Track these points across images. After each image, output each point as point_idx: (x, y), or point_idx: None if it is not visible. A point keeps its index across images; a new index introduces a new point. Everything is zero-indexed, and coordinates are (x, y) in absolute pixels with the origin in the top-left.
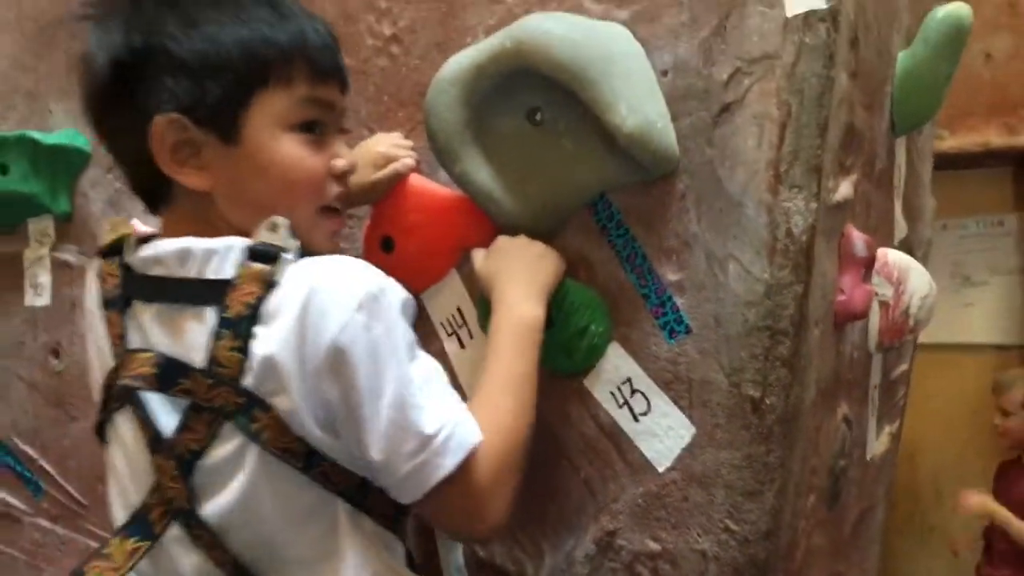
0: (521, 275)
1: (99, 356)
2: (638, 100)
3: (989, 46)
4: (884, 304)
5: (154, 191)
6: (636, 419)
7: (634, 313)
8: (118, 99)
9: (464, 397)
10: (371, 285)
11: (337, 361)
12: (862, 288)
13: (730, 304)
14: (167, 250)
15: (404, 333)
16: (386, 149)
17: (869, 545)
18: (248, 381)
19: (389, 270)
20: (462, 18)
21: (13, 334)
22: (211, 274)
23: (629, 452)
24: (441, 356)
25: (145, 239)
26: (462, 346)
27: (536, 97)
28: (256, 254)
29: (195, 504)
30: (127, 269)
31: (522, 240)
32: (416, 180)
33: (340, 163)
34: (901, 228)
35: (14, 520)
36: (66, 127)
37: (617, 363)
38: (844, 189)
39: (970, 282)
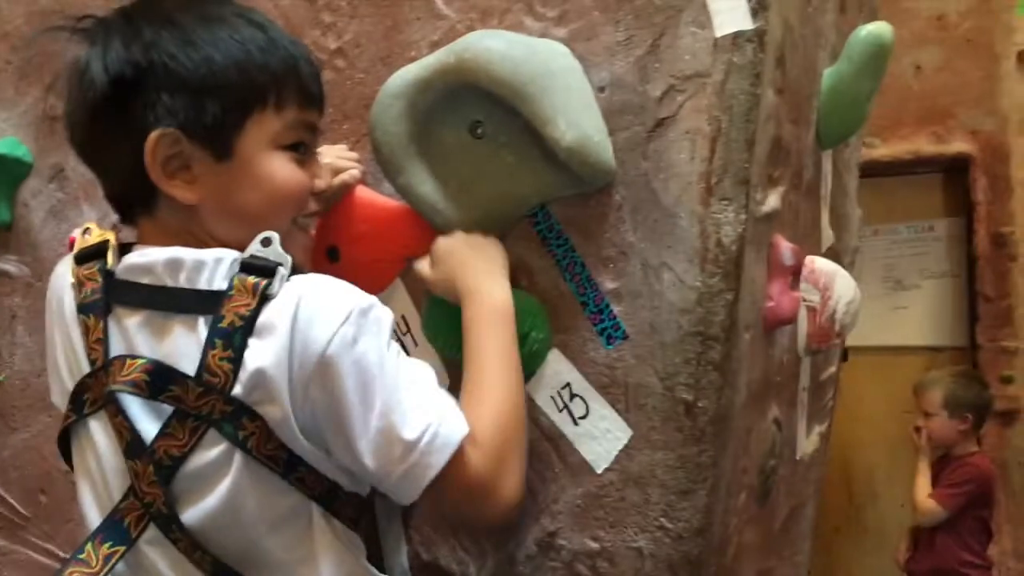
0: (481, 265)
1: (69, 361)
2: (576, 115)
3: (918, 58)
4: (811, 309)
5: (134, 201)
6: (575, 422)
7: (573, 320)
8: (115, 112)
9: None
10: (360, 300)
11: (325, 373)
12: (790, 295)
13: (665, 311)
14: (156, 258)
15: (390, 344)
16: (332, 160)
17: (800, 541)
18: (238, 390)
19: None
20: (406, 33)
21: None
22: (203, 284)
23: (569, 454)
24: None
25: (124, 246)
26: (407, 353)
27: (478, 111)
28: (249, 267)
29: (174, 509)
30: (109, 275)
31: (462, 236)
32: (362, 191)
33: (320, 182)
34: (828, 237)
35: None
36: (6, 136)
37: (557, 368)
38: (772, 200)
39: (902, 286)
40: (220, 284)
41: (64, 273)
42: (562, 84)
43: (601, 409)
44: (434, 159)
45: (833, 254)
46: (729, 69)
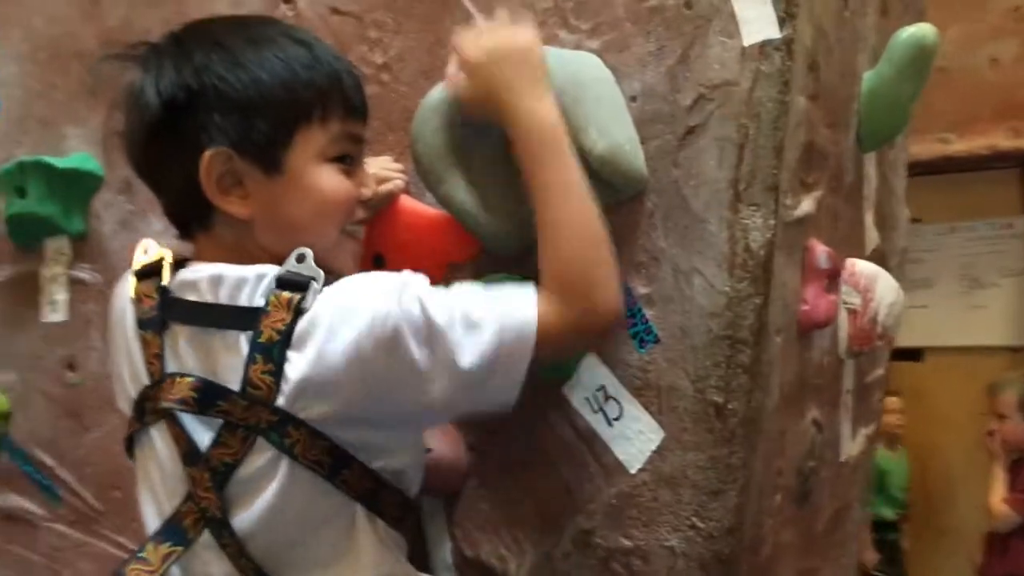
0: (517, 77)
1: (131, 371)
2: (607, 124)
3: (995, 51)
4: (852, 312)
5: (190, 217)
6: (610, 424)
7: None
8: (169, 134)
9: None
10: (390, 281)
11: (384, 346)
12: (825, 298)
13: (695, 315)
14: (202, 275)
15: (428, 296)
16: (378, 171)
17: (846, 543)
18: (281, 401)
19: None
20: (448, 48)
21: (31, 349)
22: (243, 301)
23: (604, 455)
24: None
25: (180, 262)
26: None
27: None
28: (285, 283)
29: (227, 513)
30: (164, 291)
31: (494, 38)
32: (405, 200)
33: (367, 191)
34: (873, 238)
35: (33, 525)
36: (80, 151)
37: (592, 371)
38: (806, 205)
39: (979, 284)
40: (259, 301)
41: (125, 288)
42: (593, 95)
43: (634, 411)
44: (472, 170)
45: (879, 255)
46: (757, 77)
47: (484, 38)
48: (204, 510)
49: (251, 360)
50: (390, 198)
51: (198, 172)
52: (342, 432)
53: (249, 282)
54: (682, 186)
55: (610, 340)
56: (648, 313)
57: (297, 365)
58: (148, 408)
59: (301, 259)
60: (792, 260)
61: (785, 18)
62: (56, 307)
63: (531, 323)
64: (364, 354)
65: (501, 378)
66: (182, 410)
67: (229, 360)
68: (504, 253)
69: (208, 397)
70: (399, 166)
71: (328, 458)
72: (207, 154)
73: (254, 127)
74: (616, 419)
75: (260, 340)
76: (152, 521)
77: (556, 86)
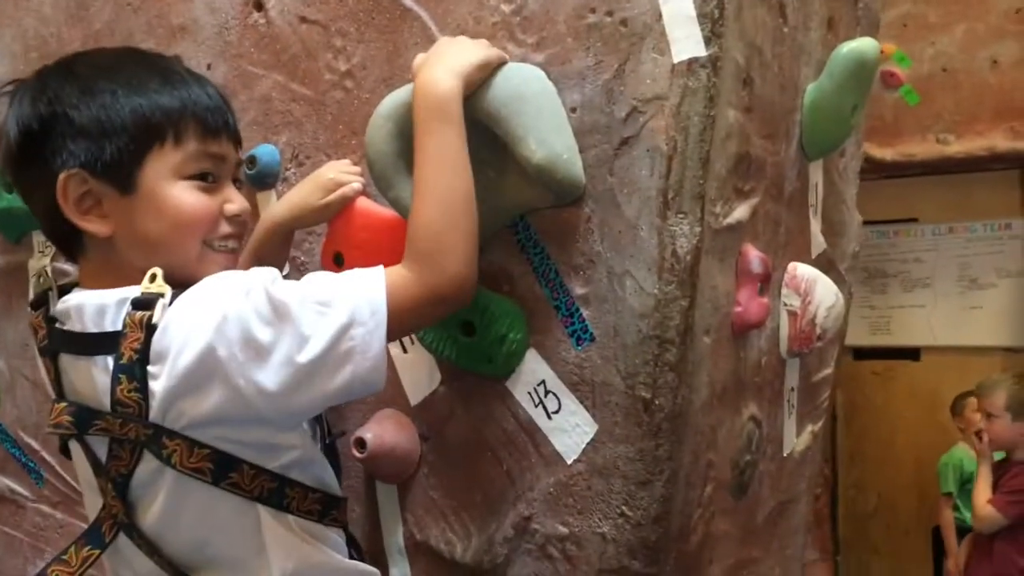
0: (436, 60)
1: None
2: (546, 134)
3: (995, 52)
4: (792, 313)
5: (68, 242)
6: (549, 417)
7: (547, 322)
8: (29, 161)
9: (408, 403)
10: (237, 280)
11: (241, 338)
12: (757, 300)
13: (627, 316)
14: (69, 305)
15: (281, 280)
16: (335, 175)
17: (791, 535)
18: (153, 415)
19: None
20: (405, 57)
21: (19, 336)
22: (107, 326)
23: (543, 446)
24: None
25: (67, 287)
26: (404, 350)
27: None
28: (138, 303)
29: (133, 517)
30: (51, 321)
31: (456, 38)
32: (363, 202)
33: (232, 206)
34: (819, 244)
35: (19, 506)
36: None
37: (533, 366)
38: (739, 212)
39: (977, 285)
40: (119, 324)
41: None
42: (534, 106)
43: (571, 405)
44: None
45: (826, 260)
46: (684, 92)
47: (443, 39)
48: (115, 515)
49: (116, 381)
50: (346, 200)
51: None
52: (221, 436)
53: (110, 308)
54: (617, 194)
55: (549, 337)
56: (584, 313)
57: (159, 379)
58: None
59: (152, 278)
60: (724, 264)
61: (712, 37)
62: None
63: (380, 295)
64: (218, 354)
65: (360, 355)
66: (63, 434)
67: (103, 382)
68: None
69: (84, 420)
70: (357, 169)
71: (210, 464)
72: (62, 176)
73: (104, 149)
74: (555, 412)
75: (122, 361)
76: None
77: (500, 98)
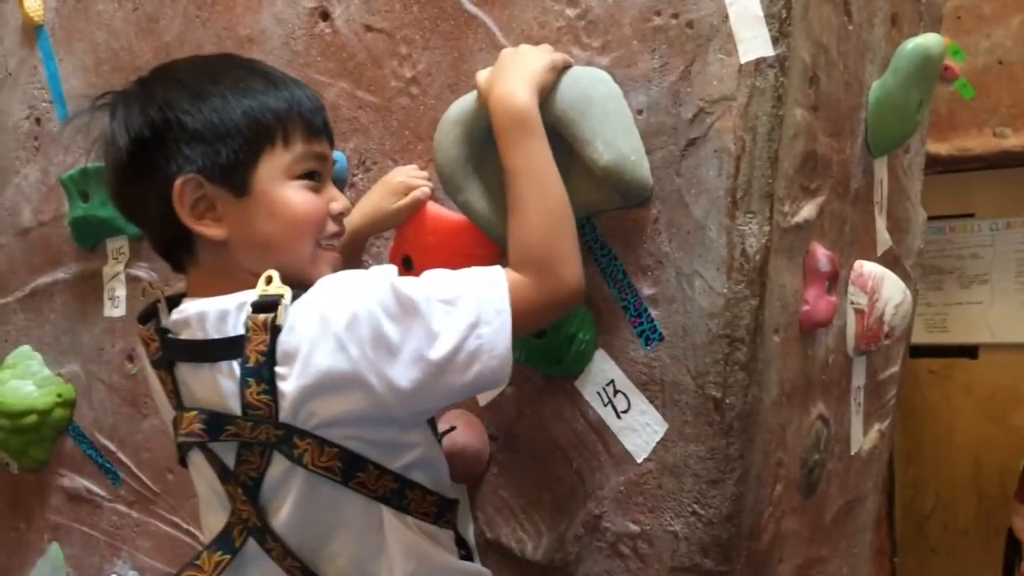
0: (506, 72)
1: (160, 401)
2: (614, 137)
3: None
4: (859, 312)
5: (178, 250)
6: (619, 416)
7: (615, 323)
8: (142, 169)
9: (477, 403)
10: (361, 279)
11: (372, 336)
12: (825, 299)
13: (696, 315)
14: (189, 314)
15: (402, 277)
16: (405, 179)
17: (859, 534)
18: (284, 416)
19: None
20: (470, 63)
21: (94, 341)
22: (230, 331)
23: (613, 445)
24: None
25: (176, 299)
26: None
27: None
28: (259, 306)
29: (265, 520)
30: (163, 332)
31: (519, 48)
32: (432, 206)
33: (336, 205)
34: (884, 241)
35: (96, 505)
36: None
37: (602, 366)
38: (807, 211)
39: None
40: (241, 329)
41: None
42: (600, 109)
43: (641, 404)
44: (490, 178)
45: (891, 258)
46: (752, 93)
47: (506, 50)
48: (246, 520)
49: (244, 385)
50: (416, 204)
51: (172, 201)
52: (351, 435)
53: (231, 313)
54: (684, 194)
55: (617, 337)
56: (653, 313)
57: (288, 380)
58: (177, 439)
59: (269, 281)
60: (792, 263)
61: (779, 37)
62: (116, 303)
63: (504, 294)
64: (350, 353)
65: (487, 353)
66: (196, 442)
67: (230, 387)
68: None
69: (215, 426)
70: (424, 174)
71: (339, 463)
72: (178, 181)
73: (219, 152)
74: (624, 412)
75: (249, 365)
76: (209, 532)
77: (567, 101)
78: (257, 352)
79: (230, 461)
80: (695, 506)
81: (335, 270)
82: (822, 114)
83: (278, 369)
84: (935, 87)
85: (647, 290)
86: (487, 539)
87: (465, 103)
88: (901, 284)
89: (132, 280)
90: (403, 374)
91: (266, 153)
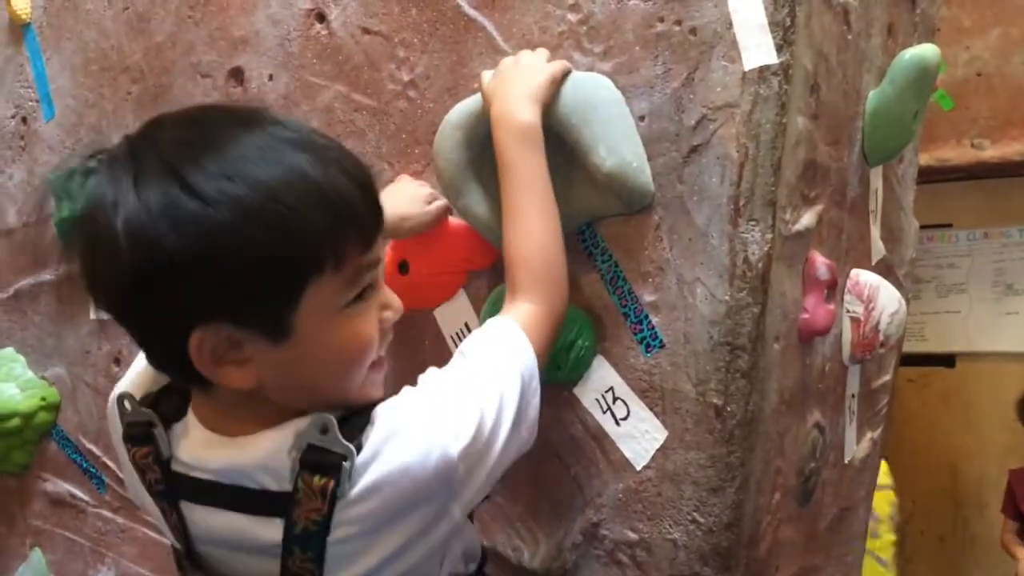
0: (516, 87)
1: (152, 513)
2: (616, 143)
3: None
4: (855, 320)
5: (183, 379)
6: (618, 423)
7: (616, 329)
8: (148, 295)
9: None
10: (434, 468)
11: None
12: (824, 307)
13: (697, 322)
14: (212, 467)
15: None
16: (429, 191)
17: (851, 542)
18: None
19: (406, 290)
20: (470, 67)
21: (80, 344)
22: (270, 484)
23: (612, 452)
24: None
25: (166, 402)
26: None
27: None
28: (314, 466)
29: None
30: (164, 464)
31: (518, 57)
32: None
33: (389, 315)
34: (879, 250)
35: (80, 511)
36: None
37: (601, 373)
38: (807, 219)
39: (1013, 290)
40: (285, 485)
41: (116, 422)
42: (603, 115)
43: (641, 411)
44: (490, 183)
45: (884, 267)
46: (756, 100)
47: (506, 60)
48: None
49: (288, 552)
50: (443, 215)
51: (187, 344)
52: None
53: (268, 466)
54: (686, 201)
55: (617, 344)
56: (654, 320)
57: (341, 552)
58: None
59: (324, 431)
60: (792, 271)
61: (783, 45)
62: None
63: (531, 358)
64: (414, 528)
65: (528, 428)
66: None
67: (264, 535)
68: None
69: None
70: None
71: None
72: (197, 335)
73: (254, 294)
74: (623, 419)
75: (295, 532)
76: None
77: (569, 106)
78: (308, 520)
79: None
80: (695, 514)
81: (383, 382)
82: (822, 122)
83: (330, 539)
84: (930, 97)
85: (648, 297)
86: (483, 547)
87: (466, 107)
88: (896, 293)
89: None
90: (472, 500)
91: (312, 286)
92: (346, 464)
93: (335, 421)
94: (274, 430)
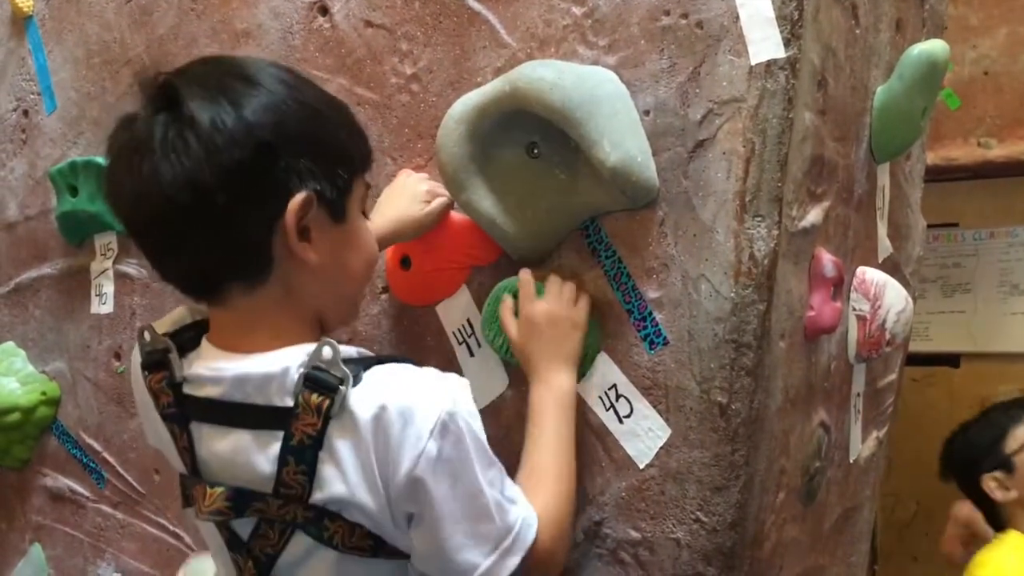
0: (553, 350)
1: (166, 449)
2: (621, 137)
3: None
4: (862, 318)
5: (220, 284)
6: (621, 421)
7: (619, 326)
8: (259, 176)
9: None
10: (439, 410)
11: (415, 489)
12: (830, 305)
13: (702, 320)
14: (224, 375)
15: (476, 448)
16: (428, 186)
17: (856, 542)
18: (317, 498)
19: (407, 285)
20: (473, 60)
21: (81, 338)
22: (273, 399)
23: (614, 450)
24: (453, 361)
25: (181, 336)
26: (471, 354)
27: (533, 133)
28: (312, 381)
29: None
30: (177, 387)
31: (546, 308)
32: None
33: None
34: (885, 248)
35: (80, 506)
36: None
37: (605, 371)
38: (813, 215)
39: (1019, 291)
40: (287, 400)
41: (138, 371)
42: (608, 109)
43: (644, 409)
44: (494, 177)
45: (891, 264)
46: (763, 95)
47: (546, 302)
48: None
49: (283, 463)
50: (445, 212)
51: (278, 219)
52: (383, 533)
53: (276, 378)
54: (692, 196)
55: (621, 341)
56: (658, 316)
57: (331, 473)
58: (188, 495)
59: (328, 354)
60: (798, 268)
61: (790, 39)
62: (104, 299)
63: (532, 534)
64: (401, 493)
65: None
66: (220, 520)
67: (261, 455)
68: (521, 257)
69: (242, 503)
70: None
71: (370, 541)
72: (299, 197)
73: (337, 172)
74: (627, 416)
75: (292, 443)
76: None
77: (574, 100)
78: (304, 433)
79: (244, 533)
80: (698, 513)
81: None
82: (829, 118)
83: (322, 454)
84: (938, 94)
85: (652, 293)
86: None
87: (469, 101)
88: (903, 291)
89: (121, 277)
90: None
91: (357, 179)
92: (342, 388)
93: (336, 348)
94: (287, 349)
